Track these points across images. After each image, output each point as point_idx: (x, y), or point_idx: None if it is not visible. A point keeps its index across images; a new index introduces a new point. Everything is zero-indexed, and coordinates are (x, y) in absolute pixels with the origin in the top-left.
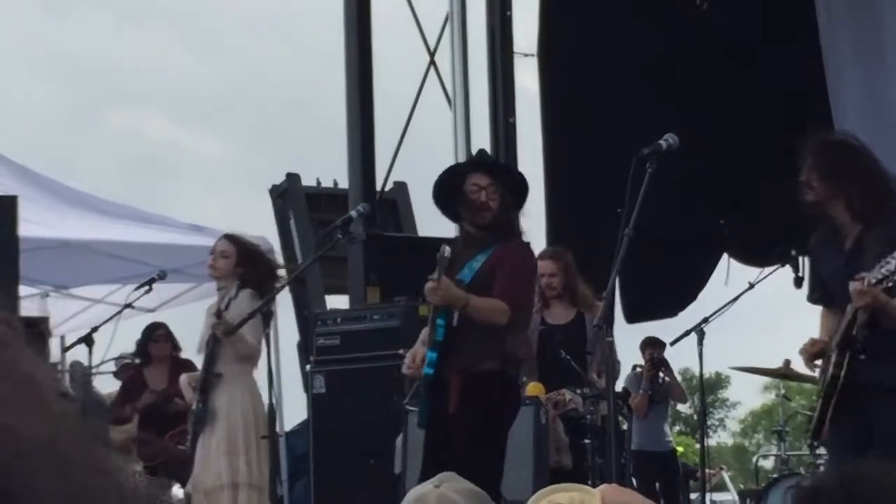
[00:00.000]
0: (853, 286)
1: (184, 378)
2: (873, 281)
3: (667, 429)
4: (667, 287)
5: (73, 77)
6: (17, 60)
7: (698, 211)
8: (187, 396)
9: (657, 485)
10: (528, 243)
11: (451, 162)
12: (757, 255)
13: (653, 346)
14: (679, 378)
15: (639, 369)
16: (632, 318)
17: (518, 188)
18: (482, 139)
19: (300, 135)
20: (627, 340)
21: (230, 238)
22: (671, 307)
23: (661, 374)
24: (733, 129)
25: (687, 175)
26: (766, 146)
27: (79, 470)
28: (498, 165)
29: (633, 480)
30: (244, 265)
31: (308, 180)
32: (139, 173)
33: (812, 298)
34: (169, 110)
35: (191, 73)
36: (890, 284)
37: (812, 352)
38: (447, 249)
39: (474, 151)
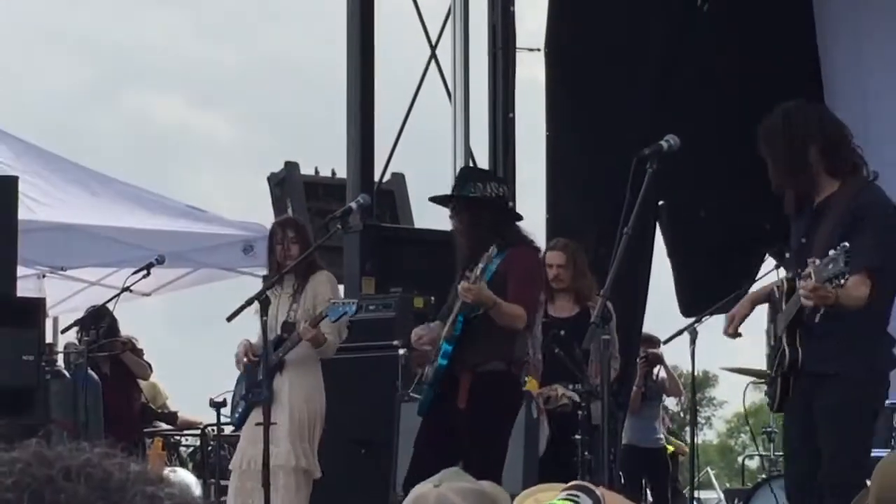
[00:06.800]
0: (801, 286)
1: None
2: (820, 282)
3: (657, 425)
4: (720, 283)
5: (88, 56)
6: (33, 37)
7: (748, 208)
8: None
9: (643, 480)
10: (535, 248)
11: (449, 155)
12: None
13: (647, 343)
14: None
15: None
16: (687, 311)
17: (493, 205)
18: (481, 133)
19: (302, 122)
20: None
21: (295, 225)
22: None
23: (654, 371)
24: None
25: (740, 169)
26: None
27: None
28: (455, 196)
29: (621, 475)
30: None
31: (306, 168)
32: (149, 154)
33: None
34: (181, 92)
35: (203, 55)
36: (839, 283)
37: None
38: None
39: (473, 146)
